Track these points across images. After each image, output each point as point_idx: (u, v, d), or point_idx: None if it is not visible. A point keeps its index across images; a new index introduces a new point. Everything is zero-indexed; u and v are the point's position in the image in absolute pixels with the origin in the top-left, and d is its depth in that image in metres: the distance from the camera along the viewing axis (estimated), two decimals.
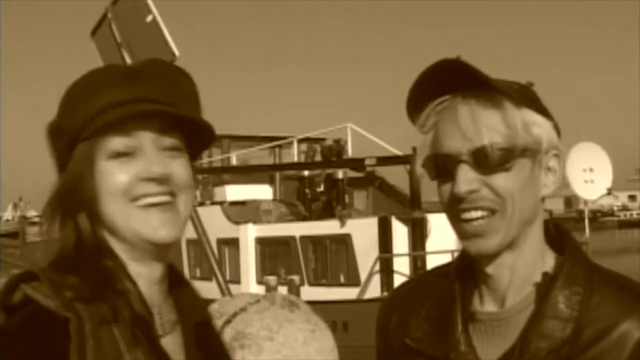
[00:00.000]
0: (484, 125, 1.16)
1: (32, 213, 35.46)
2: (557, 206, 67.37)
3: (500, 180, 1.16)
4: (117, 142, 1.15)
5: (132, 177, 1.15)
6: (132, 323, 1.10)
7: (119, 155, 1.15)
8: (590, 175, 14.33)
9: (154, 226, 1.15)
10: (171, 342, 1.19)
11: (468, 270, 1.27)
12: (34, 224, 29.75)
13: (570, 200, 70.67)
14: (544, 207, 1.25)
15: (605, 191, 14.79)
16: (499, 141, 1.15)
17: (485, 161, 1.15)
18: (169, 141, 1.17)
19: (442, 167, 1.20)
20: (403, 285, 1.46)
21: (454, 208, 1.19)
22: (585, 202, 15.28)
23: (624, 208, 79.02)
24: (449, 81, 1.18)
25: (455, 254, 1.41)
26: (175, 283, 1.25)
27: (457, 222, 1.20)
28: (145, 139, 1.16)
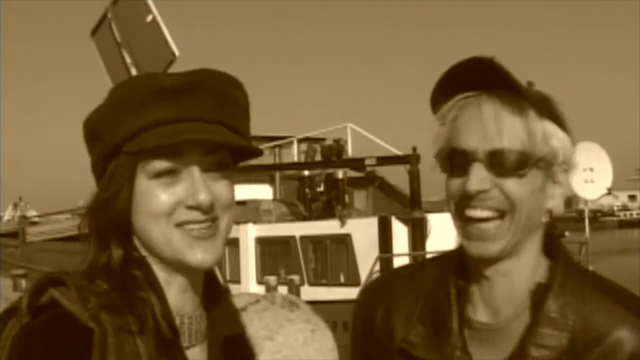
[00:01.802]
0: (506, 128, 1.15)
1: (32, 213, 35.45)
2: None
3: (512, 184, 1.16)
4: (160, 163, 1.10)
5: (176, 201, 1.11)
6: (156, 334, 1.09)
7: (160, 175, 1.11)
8: (590, 175, 14.32)
9: (193, 252, 1.12)
10: (199, 354, 1.17)
11: (463, 272, 1.26)
12: (34, 224, 29.75)
13: (570, 200, 70.22)
14: (547, 218, 1.25)
15: (605, 191, 14.79)
16: (518, 147, 1.15)
17: (501, 163, 1.15)
18: (214, 159, 1.13)
19: (456, 161, 1.19)
20: (387, 276, 1.45)
21: (461, 204, 1.18)
22: (585, 202, 15.27)
23: (624, 208, 79.00)
24: (478, 78, 1.17)
25: None
26: (211, 293, 1.22)
27: (461, 220, 1.19)
28: (191, 160, 1.11)
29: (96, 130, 1.14)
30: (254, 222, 15.77)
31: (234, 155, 1.17)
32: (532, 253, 1.22)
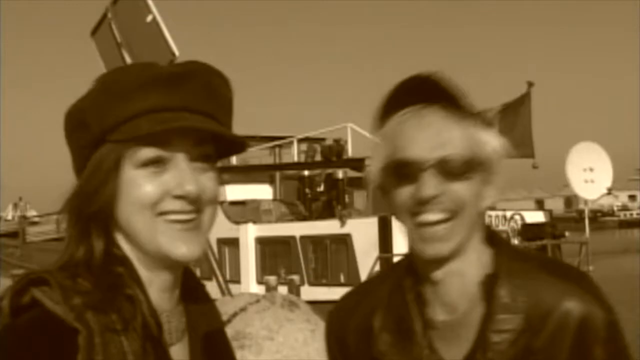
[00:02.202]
0: (450, 136, 1.26)
1: (32, 213, 35.44)
2: (557, 206, 67.35)
3: (459, 188, 1.26)
4: (148, 152, 1.09)
5: (162, 191, 1.10)
6: (142, 332, 1.07)
7: (148, 164, 1.09)
8: (590, 175, 14.34)
9: (177, 244, 1.11)
10: (179, 351, 1.16)
11: (416, 276, 1.35)
12: (34, 223, 29.77)
13: (570, 200, 70.67)
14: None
15: (605, 191, 14.80)
16: (463, 153, 1.26)
17: (448, 170, 1.26)
18: (201, 151, 1.13)
19: (404, 172, 1.28)
20: (350, 295, 1.51)
21: (414, 210, 1.27)
22: (585, 202, 15.29)
23: (624, 208, 79.07)
24: (422, 93, 1.28)
25: None
26: (188, 288, 1.21)
27: (414, 224, 1.28)
28: (179, 150, 1.10)
29: (83, 118, 1.12)
30: (254, 222, 15.78)
31: (217, 150, 1.17)
32: (476, 248, 1.32)
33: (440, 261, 1.28)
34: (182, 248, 1.11)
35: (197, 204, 1.11)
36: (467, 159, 1.26)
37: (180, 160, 1.11)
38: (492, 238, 1.35)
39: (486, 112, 1.35)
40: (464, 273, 1.30)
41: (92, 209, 1.11)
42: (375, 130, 1.35)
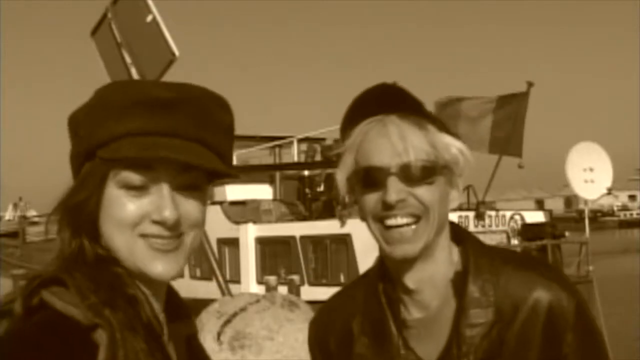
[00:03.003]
0: (411, 143, 1.31)
1: (32, 213, 35.41)
2: (557, 206, 67.34)
3: (423, 191, 1.32)
4: (131, 175, 1.11)
5: (142, 214, 1.12)
6: (145, 332, 1.09)
7: (132, 187, 1.11)
8: (590, 175, 14.32)
9: (154, 264, 1.13)
10: (171, 353, 1.18)
11: (387, 278, 1.40)
12: (34, 224, 29.74)
13: (570, 200, 70.62)
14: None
15: (605, 191, 14.79)
16: (424, 158, 1.31)
17: (412, 175, 1.31)
18: (187, 179, 1.14)
19: (370, 179, 1.33)
20: (329, 304, 1.55)
21: (381, 215, 1.32)
22: (585, 202, 15.27)
23: (624, 208, 79.09)
24: (383, 103, 1.33)
25: None
26: (168, 297, 1.23)
27: (382, 228, 1.33)
28: (163, 176, 1.12)
29: (77, 129, 1.15)
30: (254, 222, 15.77)
31: (210, 174, 1.18)
32: (444, 246, 1.38)
33: (409, 262, 1.34)
34: (158, 268, 1.13)
35: (176, 229, 1.13)
36: (428, 163, 1.32)
37: (162, 186, 1.12)
38: (459, 235, 1.42)
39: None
40: (434, 272, 1.36)
41: (79, 219, 1.13)
42: (341, 140, 1.42)
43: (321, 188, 16.37)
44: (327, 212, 15.42)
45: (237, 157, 18.72)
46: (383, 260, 1.41)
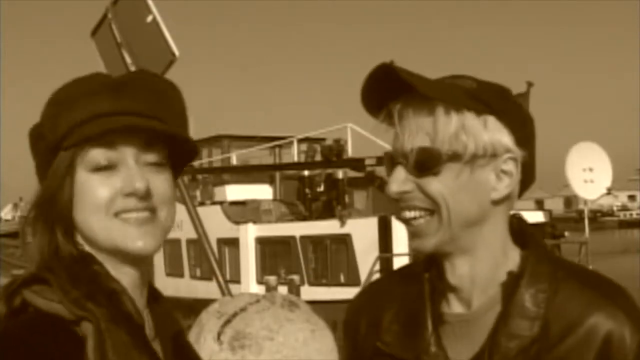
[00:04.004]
0: (413, 130, 1.19)
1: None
2: (557, 206, 67.39)
3: (430, 183, 1.19)
4: (98, 155, 1.14)
5: (113, 192, 1.14)
6: (127, 325, 1.10)
7: (99, 168, 1.14)
8: (590, 175, 14.34)
9: (132, 238, 1.15)
10: (156, 348, 1.19)
11: (435, 268, 1.28)
12: None
13: (570, 200, 70.70)
14: (510, 208, 1.26)
15: (605, 191, 14.80)
16: (426, 146, 1.18)
17: (414, 164, 1.19)
18: (151, 156, 1.17)
19: (388, 166, 1.24)
20: (369, 287, 1.47)
21: (397, 206, 1.23)
22: (585, 202, 15.29)
23: (624, 208, 79.06)
24: (386, 89, 1.21)
25: None
26: (150, 295, 1.25)
27: (401, 220, 1.24)
28: (128, 153, 1.15)
29: (40, 131, 1.17)
30: (254, 222, 15.78)
31: (172, 157, 1.21)
32: (489, 246, 1.23)
33: (445, 256, 1.22)
34: (138, 243, 1.15)
35: (148, 200, 1.15)
36: (432, 151, 1.18)
37: (129, 161, 1.15)
38: (524, 237, 1.27)
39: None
40: (475, 270, 1.22)
41: (54, 213, 1.15)
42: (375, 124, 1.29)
43: (321, 188, 16.37)
44: (327, 212, 15.43)
45: (237, 157, 18.75)
46: None
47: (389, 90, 1.21)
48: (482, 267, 1.22)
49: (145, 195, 1.14)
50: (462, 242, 1.21)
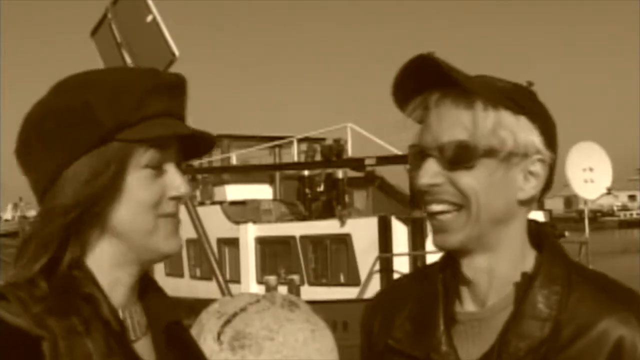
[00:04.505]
0: (451, 122, 1.18)
1: (32, 213, 35.43)
2: (557, 206, 67.35)
3: (462, 177, 1.17)
4: (153, 154, 1.14)
5: (161, 193, 1.15)
6: (105, 331, 1.08)
7: (149, 166, 1.14)
8: (590, 175, 14.33)
9: (170, 241, 1.17)
10: (144, 346, 1.18)
11: (450, 269, 1.27)
12: None
13: (570, 200, 70.60)
14: (531, 210, 1.25)
15: (605, 191, 14.79)
16: (463, 139, 1.17)
17: (448, 157, 1.17)
18: (179, 158, 1.20)
19: (415, 160, 1.23)
20: (388, 287, 1.47)
21: (422, 200, 1.21)
22: (585, 202, 15.29)
23: (624, 208, 79.02)
24: (424, 79, 1.19)
25: None
26: (143, 285, 1.23)
27: (427, 215, 1.23)
28: (172, 155, 1.17)
29: (91, 114, 1.10)
30: (254, 222, 15.77)
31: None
32: (511, 245, 1.22)
33: (466, 252, 1.21)
34: (173, 244, 1.18)
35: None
36: (468, 144, 1.17)
37: (171, 164, 1.17)
38: (541, 239, 1.26)
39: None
40: (494, 268, 1.21)
41: (86, 211, 1.10)
42: (402, 112, 1.27)
43: (321, 188, 16.36)
44: (327, 212, 15.42)
45: (237, 157, 18.74)
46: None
47: (423, 83, 1.20)
48: (502, 267, 1.22)
49: (186, 200, 1.19)
50: (486, 239, 1.20)
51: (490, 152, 1.17)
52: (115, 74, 1.17)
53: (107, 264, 1.15)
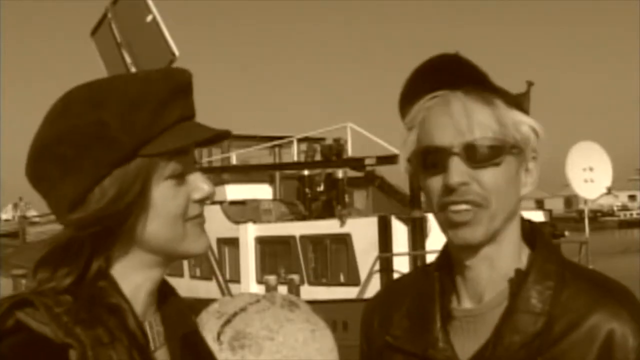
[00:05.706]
0: (476, 120, 1.19)
1: (32, 213, 35.40)
2: (557, 206, 67.32)
3: (488, 174, 1.19)
4: (175, 166, 1.11)
5: (187, 199, 1.13)
6: (128, 343, 1.07)
7: (174, 175, 1.11)
8: (590, 175, 14.33)
9: (199, 242, 1.16)
10: (163, 356, 1.17)
11: (447, 267, 1.30)
12: (34, 224, 29.75)
13: (570, 200, 70.65)
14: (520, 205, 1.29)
15: (605, 191, 14.79)
16: (491, 136, 1.19)
17: (476, 155, 1.19)
18: (195, 156, 1.18)
19: (431, 160, 1.22)
20: (386, 286, 1.49)
21: (443, 200, 1.21)
22: (585, 202, 15.28)
23: (624, 208, 78.99)
24: (445, 76, 1.20)
25: None
26: (161, 291, 1.22)
27: (444, 213, 1.22)
28: (191, 159, 1.15)
29: (106, 133, 1.06)
30: (254, 221, 15.77)
31: None
32: (512, 240, 1.25)
33: (472, 248, 1.22)
34: (202, 244, 1.17)
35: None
36: (496, 141, 1.19)
37: (192, 167, 1.15)
38: (534, 236, 1.28)
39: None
40: (494, 264, 1.23)
41: (114, 227, 1.09)
42: (401, 117, 1.28)
43: (321, 188, 16.36)
44: (327, 212, 15.42)
45: (237, 156, 18.74)
46: (445, 249, 1.30)
47: (438, 82, 1.22)
48: (502, 263, 1.24)
49: (210, 199, 1.17)
50: (497, 235, 1.23)
51: (514, 148, 1.21)
52: (126, 85, 1.10)
53: (130, 271, 1.13)
